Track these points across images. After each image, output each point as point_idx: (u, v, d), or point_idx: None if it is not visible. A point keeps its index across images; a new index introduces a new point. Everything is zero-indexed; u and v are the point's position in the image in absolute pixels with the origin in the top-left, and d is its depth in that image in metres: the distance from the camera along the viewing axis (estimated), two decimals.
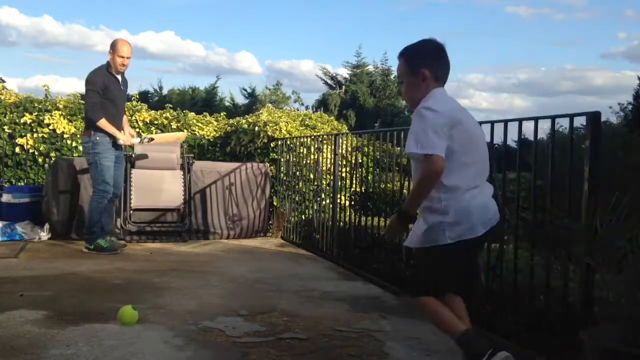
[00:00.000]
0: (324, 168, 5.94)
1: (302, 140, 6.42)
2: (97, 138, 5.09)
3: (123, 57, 5.15)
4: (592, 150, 2.56)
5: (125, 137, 5.19)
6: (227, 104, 25.38)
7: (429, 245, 2.31)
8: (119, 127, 5.21)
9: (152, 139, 5.61)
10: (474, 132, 2.40)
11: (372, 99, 25.45)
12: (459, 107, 2.42)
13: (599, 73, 43.19)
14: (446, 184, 2.26)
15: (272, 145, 7.12)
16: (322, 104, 25.60)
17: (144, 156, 5.95)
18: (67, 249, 5.40)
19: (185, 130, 7.74)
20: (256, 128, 7.20)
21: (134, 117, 7.61)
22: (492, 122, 3.24)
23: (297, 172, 6.42)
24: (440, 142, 2.21)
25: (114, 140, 5.15)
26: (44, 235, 5.81)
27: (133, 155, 5.89)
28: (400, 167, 4.63)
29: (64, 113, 7.27)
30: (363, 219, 5.00)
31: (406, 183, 4.36)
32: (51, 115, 7.17)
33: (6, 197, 6.05)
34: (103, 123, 5.04)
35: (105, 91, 5.11)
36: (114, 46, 5.15)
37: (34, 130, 7.09)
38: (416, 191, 2.28)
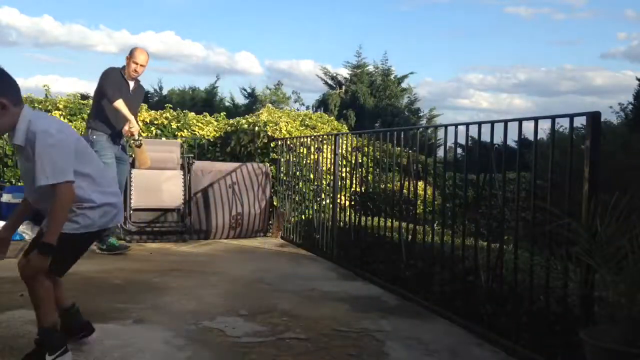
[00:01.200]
0: (324, 168, 5.94)
1: (302, 140, 6.42)
2: (95, 137, 5.14)
3: (137, 64, 5.29)
4: (592, 150, 2.57)
5: (135, 126, 5.22)
6: (227, 104, 25.39)
7: (76, 232, 2.51)
8: (121, 128, 5.22)
9: (140, 144, 5.60)
10: (84, 144, 2.61)
11: (372, 99, 25.45)
12: (61, 122, 2.63)
13: (599, 73, 43.14)
14: (80, 193, 2.47)
15: (272, 145, 7.12)
16: (322, 104, 25.61)
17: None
18: None
19: (185, 130, 7.75)
20: (256, 128, 7.20)
21: None
22: (492, 122, 3.25)
23: (297, 172, 6.42)
24: (70, 166, 2.40)
25: (113, 136, 5.21)
26: None
27: (133, 155, 5.89)
28: (400, 167, 4.63)
29: (64, 113, 7.26)
30: (363, 219, 5.00)
31: (406, 183, 4.36)
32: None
33: (6, 197, 6.05)
34: (119, 103, 5.10)
35: None
36: (131, 52, 5.34)
37: None
38: (59, 219, 2.40)
